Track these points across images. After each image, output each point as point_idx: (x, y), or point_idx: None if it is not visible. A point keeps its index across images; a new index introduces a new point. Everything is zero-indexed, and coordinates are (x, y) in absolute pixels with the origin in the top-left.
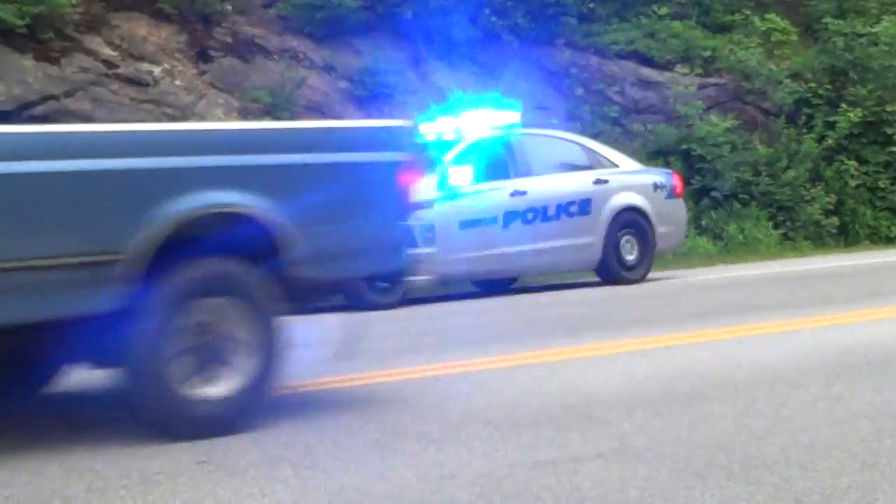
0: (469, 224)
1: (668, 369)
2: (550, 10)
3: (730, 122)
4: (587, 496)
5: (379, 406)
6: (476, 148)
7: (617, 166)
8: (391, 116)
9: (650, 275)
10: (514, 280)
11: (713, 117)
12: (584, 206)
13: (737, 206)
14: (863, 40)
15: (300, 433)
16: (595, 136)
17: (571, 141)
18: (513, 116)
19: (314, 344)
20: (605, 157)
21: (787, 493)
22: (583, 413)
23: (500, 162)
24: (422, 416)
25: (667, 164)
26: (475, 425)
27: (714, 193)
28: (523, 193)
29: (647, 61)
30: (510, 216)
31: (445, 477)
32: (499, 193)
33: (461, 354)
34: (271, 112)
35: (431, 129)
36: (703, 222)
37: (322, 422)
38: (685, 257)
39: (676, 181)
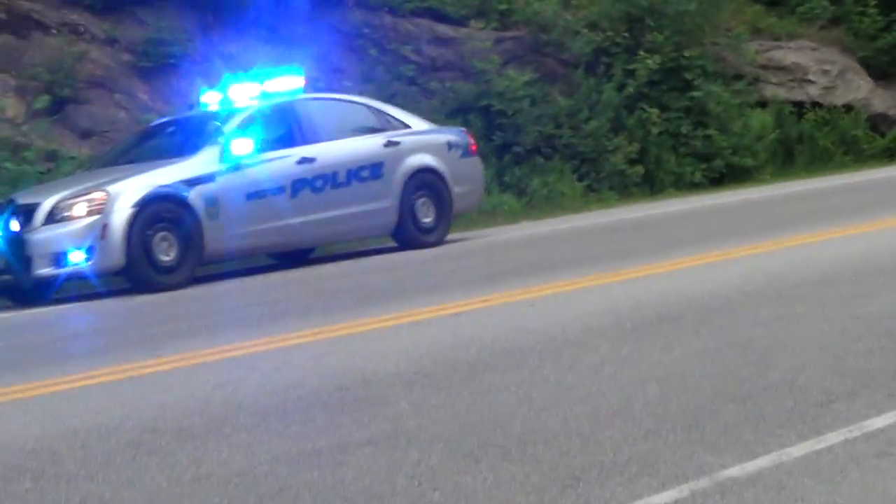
0: (255, 195)
1: (454, 339)
2: None
3: (528, 76)
4: (350, 489)
5: (140, 401)
6: (260, 116)
7: (409, 127)
8: (178, 88)
9: (451, 236)
10: (311, 251)
11: (511, 72)
12: (375, 170)
13: (539, 160)
14: None
15: (47, 439)
16: (391, 97)
17: (360, 103)
18: (297, 81)
19: (88, 333)
20: (396, 119)
21: (563, 471)
22: (358, 394)
23: (286, 129)
24: (185, 410)
25: (466, 122)
26: (241, 416)
27: (516, 149)
28: (312, 160)
29: (441, 18)
30: (298, 185)
31: (200, 478)
32: (285, 162)
33: (239, 336)
34: (51, 89)
35: (214, 98)
36: (506, 179)
37: (74, 424)
38: (489, 216)
39: (471, 139)
